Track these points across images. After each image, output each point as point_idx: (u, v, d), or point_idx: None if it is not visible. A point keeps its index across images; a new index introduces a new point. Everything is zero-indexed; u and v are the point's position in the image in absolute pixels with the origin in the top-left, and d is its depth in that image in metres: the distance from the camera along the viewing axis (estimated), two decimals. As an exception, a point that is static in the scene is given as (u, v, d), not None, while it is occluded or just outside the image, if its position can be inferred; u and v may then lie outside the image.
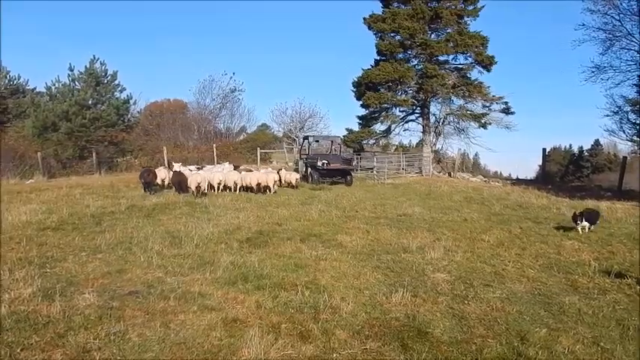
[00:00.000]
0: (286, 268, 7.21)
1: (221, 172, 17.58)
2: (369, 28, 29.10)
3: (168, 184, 17.15)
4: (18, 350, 4.31)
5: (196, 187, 15.32)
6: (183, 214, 11.91)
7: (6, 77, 39.56)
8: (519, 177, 32.16)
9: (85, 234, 9.37)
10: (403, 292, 6.16)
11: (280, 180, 18.70)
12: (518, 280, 7.16)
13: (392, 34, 28.39)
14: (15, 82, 40.25)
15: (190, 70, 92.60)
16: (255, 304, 5.65)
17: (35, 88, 39.29)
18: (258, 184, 16.81)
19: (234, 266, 7.20)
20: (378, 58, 29.50)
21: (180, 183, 15.80)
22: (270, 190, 16.88)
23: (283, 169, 20.95)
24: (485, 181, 27.64)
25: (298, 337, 4.83)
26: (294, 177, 19.80)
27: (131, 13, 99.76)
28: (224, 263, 7.28)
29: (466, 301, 6.13)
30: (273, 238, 9.36)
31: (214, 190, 16.55)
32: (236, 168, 19.36)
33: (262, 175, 17.39)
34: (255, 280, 6.55)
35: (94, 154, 29.12)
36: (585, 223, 10.88)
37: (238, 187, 16.90)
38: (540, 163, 30.35)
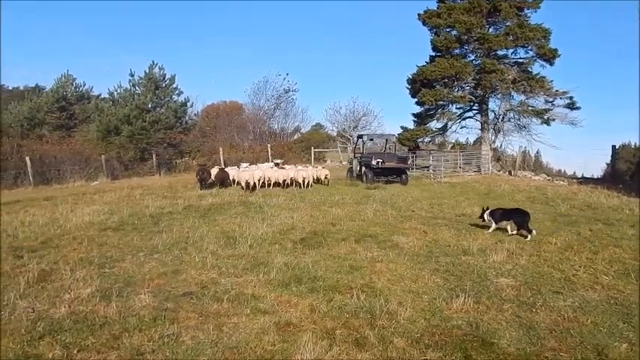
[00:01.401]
0: (341, 270, 7.00)
1: (260, 170, 18.97)
2: (424, 24, 28.47)
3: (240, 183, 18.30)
4: (75, 352, 4.34)
5: (246, 183, 17.38)
6: (238, 214, 11.96)
7: (72, 84, 41.63)
8: (585, 175, 30.40)
9: (144, 234, 9.54)
10: (465, 298, 5.80)
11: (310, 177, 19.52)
12: (591, 287, 6.59)
13: (448, 30, 27.69)
14: (81, 88, 42.32)
15: (246, 71, 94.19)
16: (308, 307, 5.48)
17: (100, 95, 41.14)
18: (291, 179, 18.69)
19: (287, 267, 7.07)
20: (434, 54, 28.80)
21: (222, 179, 18.44)
22: (300, 186, 18.48)
23: (315, 167, 22.25)
24: (548, 179, 26.33)
25: (354, 344, 4.61)
26: (323, 173, 20.50)
27: (186, 15, 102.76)
28: (278, 264, 7.17)
29: (534, 310, 5.69)
30: (327, 239, 9.18)
31: (255, 186, 17.79)
32: (277, 165, 20.72)
33: (291, 171, 19.05)
34: (309, 282, 6.38)
35: (153, 156, 30.08)
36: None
37: (272, 182, 18.44)
38: (608, 161, 28.52)
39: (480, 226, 10.63)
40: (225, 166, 22.22)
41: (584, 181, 25.62)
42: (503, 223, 10.16)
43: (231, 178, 18.95)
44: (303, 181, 18.68)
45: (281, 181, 18.52)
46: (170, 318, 5.10)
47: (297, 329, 4.89)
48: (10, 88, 58.78)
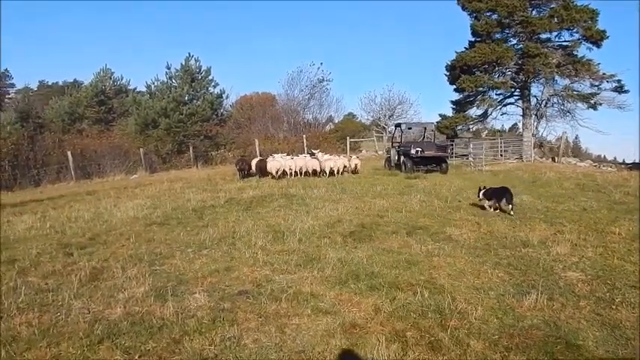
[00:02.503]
0: (398, 266, 6.67)
1: (292, 160, 19.56)
2: (463, 8, 27.60)
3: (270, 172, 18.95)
4: (136, 357, 4.17)
5: (276, 172, 18.38)
6: (281, 207, 11.75)
7: (110, 78, 42.27)
8: (626, 160, 29.16)
9: (189, 229, 9.41)
10: (536, 295, 5.41)
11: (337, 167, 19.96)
12: (671, 281, 6.10)
13: (488, 13, 26.76)
14: (118, 82, 42.94)
15: (278, 62, 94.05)
16: (372, 307, 5.17)
17: (136, 88, 41.66)
18: (318, 169, 19.44)
19: (342, 263, 6.77)
20: (473, 39, 27.96)
21: (261, 168, 19.09)
22: (327, 174, 19.19)
23: (345, 157, 22.74)
24: (595, 166, 25.36)
25: (428, 347, 4.29)
26: (353, 162, 20.60)
27: (219, 9, 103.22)
28: (331, 260, 6.89)
29: (613, 307, 5.26)
30: (376, 232, 8.85)
31: (290, 175, 18.81)
32: (312, 156, 20.88)
33: (319, 161, 19.74)
34: (367, 279, 6.07)
35: (190, 148, 30.23)
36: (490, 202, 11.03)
37: (303, 171, 19.17)
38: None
39: (526, 216, 10.14)
40: (262, 156, 22.59)
41: (635, 166, 24.52)
42: (494, 201, 11.03)
43: (268, 168, 19.30)
44: (331, 170, 19.27)
45: (310, 171, 19.29)
46: (229, 319, 4.88)
47: (364, 331, 4.60)
48: (50, 83, 60.39)
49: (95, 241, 8.64)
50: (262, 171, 18.93)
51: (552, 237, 8.37)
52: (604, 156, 37.96)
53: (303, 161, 19.61)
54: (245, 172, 19.50)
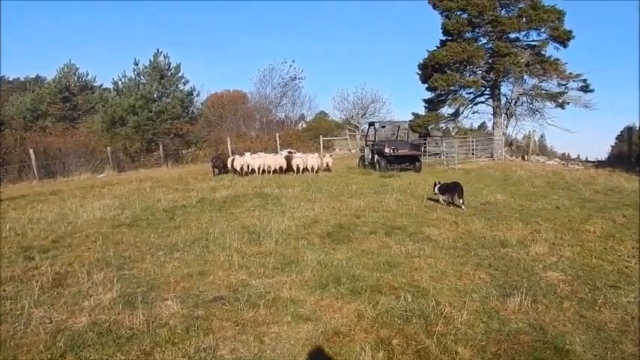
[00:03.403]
0: (378, 268, 6.48)
1: (260, 158, 20.35)
2: (434, 7, 27.73)
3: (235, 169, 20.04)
4: (103, 372, 3.84)
5: (240, 168, 19.59)
6: (256, 207, 11.46)
7: (75, 74, 40.96)
8: (588, 158, 29.78)
9: (160, 230, 9.04)
10: (520, 297, 5.28)
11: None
12: (649, 279, 6.07)
13: (459, 12, 26.92)
14: (84, 78, 41.64)
15: (249, 60, 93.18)
16: (354, 312, 4.95)
17: (102, 85, 40.49)
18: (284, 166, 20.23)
19: (321, 266, 6.54)
20: (444, 38, 28.10)
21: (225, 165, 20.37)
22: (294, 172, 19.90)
23: (317, 155, 23.20)
24: (563, 164, 25.78)
25: (415, 355, 4.09)
26: (326, 161, 21.24)
27: (190, 6, 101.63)
28: (310, 262, 6.65)
29: (596, 307, 5.18)
30: (355, 232, 8.66)
31: (257, 172, 19.52)
32: (289, 154, 21.60)
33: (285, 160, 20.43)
34: (348, 282, 5.85)
35: (160, 147, 29.49)
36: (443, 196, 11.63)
37: (272, 169, 19.87)
38: (613, 143, 27.94)
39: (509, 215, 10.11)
40: (234, 154, 23.25)
41: (600, 164, 25.04)
42: (447, 196, 11.60)
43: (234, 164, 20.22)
44: (305, 168, 20.08)
45: (278, 168, 20.03)
46: (204, 328, 4.59)
47: (347, 339, 4.37)
48: (11, 79, 58.26)
49: (59, 244, 8.17)
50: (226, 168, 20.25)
51: (530, 236, 8.33)
52: (568, 154, 38.64)
53: (272, 159, 20.42)
54: (220, 170, 20.37)
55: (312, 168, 20.18)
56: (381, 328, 4.61)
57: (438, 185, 11.90)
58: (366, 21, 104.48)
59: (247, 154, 20.83)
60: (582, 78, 26.06)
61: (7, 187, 21.90)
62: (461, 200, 11.28)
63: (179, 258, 7.09)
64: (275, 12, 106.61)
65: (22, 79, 52.07)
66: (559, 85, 26.77)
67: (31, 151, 24.42)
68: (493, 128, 28.95)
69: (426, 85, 28.19)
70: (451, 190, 11.58)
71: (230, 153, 26.56)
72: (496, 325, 4.76)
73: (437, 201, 11.82)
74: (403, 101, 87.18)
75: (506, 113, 28.30)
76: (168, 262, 6.86)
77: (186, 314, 4.94)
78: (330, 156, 23.19)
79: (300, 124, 44.54)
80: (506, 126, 28.70)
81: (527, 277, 6.20)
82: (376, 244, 7.82)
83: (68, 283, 6.03)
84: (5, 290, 5.83)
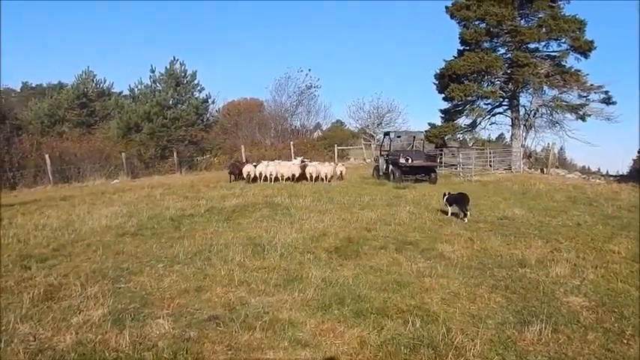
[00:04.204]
0: (386, 287, 6.08)
1: (274, 166, 20.59)
2: (452, 16, 27.46)
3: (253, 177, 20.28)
4: (77, 401, 3.53)
5: (246, 175, 20.08)
6: (264, 217, 11.16)
7: (93, 80, 41.32)
8: (609, 172, 29.01)
9: (163, 241, 8.78)
10: (540, 325, 4.85)
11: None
12: (683, 308, 5.58)
13: (477, 22, 26.56)
14: (101, 85, 41.99)
15: (266, 68, 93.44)
16: (357, 338, 4.57)
17: (121, 92, 40.76)
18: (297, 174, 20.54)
19: (326, 283, 6.17)
20: (462, 48, 27.74)
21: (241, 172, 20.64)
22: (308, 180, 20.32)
23: (331, 164, 23.85)
24: (583, 178, 25.06)
25: (421, 393, 3.72)
26: (339, 169, 21.74)
27: (207, 13, 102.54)
28: (314, 280, 6.29)
29: (624, 340, 4.72)
30: (364, 247, 8.29)
31: (268, 180, 19.86)
32: (302, 162, 21.95)
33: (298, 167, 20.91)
34: (353, 303, 5.47)
35: (174, 154, 29.48)
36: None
37: (285, 177, 20.20)
38: (635, 156, 27.12)
39: (523, 233, 9.64)
40: (247, 162, 23.19)
41: (623, 178, 24.28)
42: (454, 207, 11.57)
43: (257, 173, 20.31)
44: (311, 176, 20.32)
45: (291, 176, 20.29)
46: (193, 352, 4.25)
47: (347, 370, 4.01)
48: (34, 85, 59.18)
49: (59, 253, 7.95)
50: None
51: (549, 256, 7.86)
52: (588, 167, 37.74)
53: (286, 167, 20.71)
54: (236, 177, 20.89)
55: (326, 176, 20.30)
56: (385, 358, 4.23)
57: (447, 196, 11.85)
58: (385, 29, 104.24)
59: (264, 162, 21.23)
60: (604, 90, 25.44)
61: (21, 192, 22.03)
62: (466, 212, 11.23)
63: (178, 271, 6.79)
64: (294, 19, 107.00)
65: (45, 85, 52.77)
66: (580, 96, 26.18)
67: (46, 156, 24.56)
68: (511, 140, 28.37)
69: (443, 95, 27.80)
70: (458, 201, 11.50)
71: (244, 160, 26.40)
72: (513, 357, 4.35)
73: (447, 213, 11.70)
74: (420, 111, 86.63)
75: (524, 125, 27.70)
76: (166, 276, 6.56)
77: (178, 335, 4.61)
78: (343, 165, 23.33)
79: (317, 133, 44.28)
80: (525, 138, 28.06)
81: (547, 303, 5.73)
82: (386, 261, 7.43)
83: (60, 296, 5.76)
84: (-6, 302, 5.58)
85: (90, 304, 5.38)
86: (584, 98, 26.02)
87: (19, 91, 65.73)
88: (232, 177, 20.99)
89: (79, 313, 5.17)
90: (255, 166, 20.78)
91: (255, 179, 19.95)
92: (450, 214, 11.60)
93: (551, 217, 11.72)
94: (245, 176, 20.06)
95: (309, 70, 41.98)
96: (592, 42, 25.07)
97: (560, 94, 26.36)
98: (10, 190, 22.99)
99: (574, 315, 5.36)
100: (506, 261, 7.57)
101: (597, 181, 22.92)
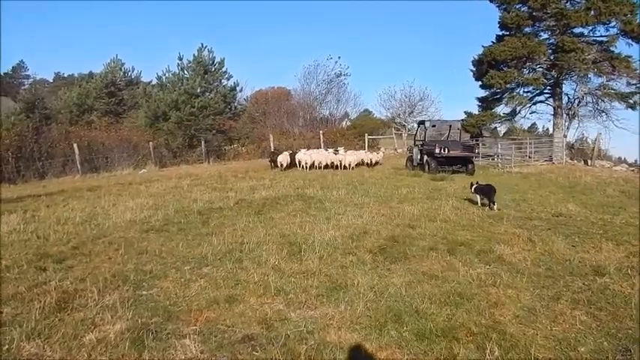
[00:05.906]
0: (447, 300, 5.18)
1: (313, 154, 21.85)
2: (492, 0, 25.98)
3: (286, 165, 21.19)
4: None
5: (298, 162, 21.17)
6: (297, 211, 10.37)
7: (121, 69, 41.15)
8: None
9: (190, 238, 8.06)
10: (644, 355, 3.93)
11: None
12: None
13: (518, 6, 25.14)
14: (129, 74, 41.80)
15: (295, 56, 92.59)
16: (427, 373, 3.73)
17: (150, 82, 40.50)
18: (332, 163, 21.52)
19: (375, 294, 5.31)
20: (502, 33, 26.37)
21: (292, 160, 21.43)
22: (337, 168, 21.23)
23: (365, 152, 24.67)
24: (632, 170, 23.58)
25: None
26: (376, 156, 23.27)
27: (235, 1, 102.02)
28: (361, 288, 5.45)
29: None
30: (411, 247, 7.40)
31: (305, 168, 20.90)
32: (336, 152, 22.47)
33: (331, 156, 21.88)
34: (412, 320, 4.61)
35: (202, 143, 28.96)
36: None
37: (317, 164, 21.22)
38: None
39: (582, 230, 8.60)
40: (276, 150, 24.09)
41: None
42: (481, 198, 11.51)
43: (297, 161, 21.35)
44: (340, 164, 21.18)
45: (329, 163, 21.36)
46: (226, 387, 3.49)
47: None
48: (66, 75, 59.72)
49: (78, 252, 7.28)
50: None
51: (627, 261, 6.83)
52: (624, 158, 35.60)
53: (324, 155, 21.82)
54: (274, 165, 21.50)
55: (363, 161, 22.21)
56: (464, 400, 3.38)
57: (475, 185, 11.78)
58: (416, 16, 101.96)
59: (302, 149, 22.66)
60: (656, 77, 23.78)
61: (50, 181, 21.83)
62: (490, 204, 11.14)
63: (207, 275, 6.03)
64: (322, 9, 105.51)
65: (77, 75, 53.10)
66: (629, 84, 24.54)
67: (74, 145, 24.31)
68: (553, 129, 26.91)
69: (480, 83, 26.51)
70: (486, 192, 11.43)
71: (272, 149, 25.79)
72: (620, 398, 3.46)
73: (476, 203, 11.57)
74: (453, 100, 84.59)
75: (567, 114, 26.22)
76: (193, 281, 5.81)
77: (206, 361, 3.86)
78: (377, 153, 24.61)
79: (345, 122, 43.30)
80: (568, 127, 26.61)
81: (643, 323, 4.79)
82: (438, 265, 6.53)
83: (75, 305, 5.04)
84: (2, 312, 4.91)
85: (107, 317, 4.66)
86: (634, 86, 24.41)
87: (51, 81, 66.59)
88: (272, 164, 21.54)
89: (94, 328, 4.46)
90: (290, 154, 21.50)
91: (287, 168, 20.72)
92: (479, 203, 11.44)
93: (611, 214, 10.63)
94: (278, 165, 20.78)
95: (339, 57, 41.01)
96: (645, 25, 23.39)
97: (608, 81, 24.78)
98: (39, 179, 22.85)
99: (681, 339, 4.40)
100: (578, 268, 6.57)
101: (648, 173, 21.47)
